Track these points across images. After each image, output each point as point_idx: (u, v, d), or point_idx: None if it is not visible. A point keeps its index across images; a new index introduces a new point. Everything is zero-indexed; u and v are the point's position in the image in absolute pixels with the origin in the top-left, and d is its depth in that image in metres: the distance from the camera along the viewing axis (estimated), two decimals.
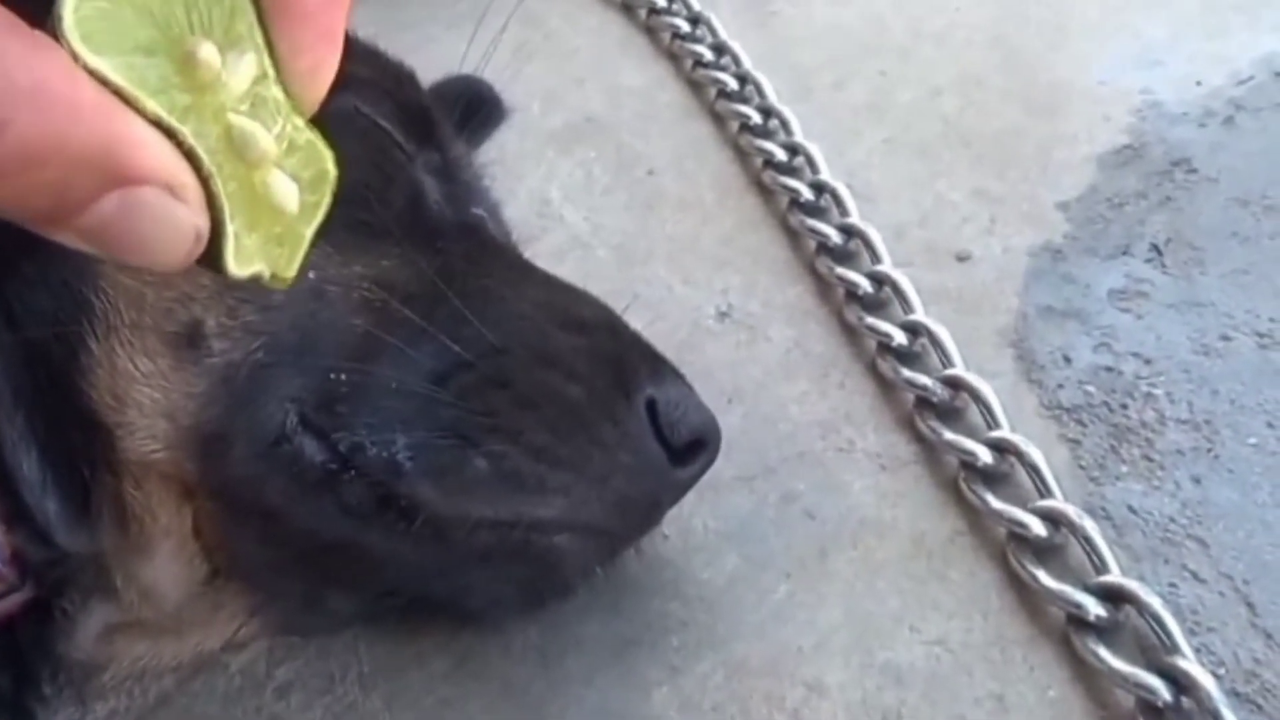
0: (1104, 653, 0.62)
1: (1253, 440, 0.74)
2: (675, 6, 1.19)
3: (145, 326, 0.54)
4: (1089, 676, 0.63)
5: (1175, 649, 0.61)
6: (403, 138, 0.68)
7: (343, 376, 0.56)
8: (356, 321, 0.57)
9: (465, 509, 0.57)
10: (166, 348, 0.54)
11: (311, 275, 0.56)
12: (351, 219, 0.60)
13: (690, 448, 0.62)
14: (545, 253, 0.89)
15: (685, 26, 1.17)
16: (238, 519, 0.59)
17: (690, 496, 0.66)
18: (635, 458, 0.60)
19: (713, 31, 1.15)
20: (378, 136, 0.66)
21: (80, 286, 0.54)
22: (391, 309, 0.58)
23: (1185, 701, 0.59)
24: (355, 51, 0.72)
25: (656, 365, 0.64)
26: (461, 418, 0.56)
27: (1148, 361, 0.80)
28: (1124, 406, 0.77)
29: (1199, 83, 1.06)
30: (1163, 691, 0.60)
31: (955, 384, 0.77)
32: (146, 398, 0.54)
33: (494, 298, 0.63)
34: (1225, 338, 0.81)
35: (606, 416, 0.59)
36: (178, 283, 0.55)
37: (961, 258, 0.91)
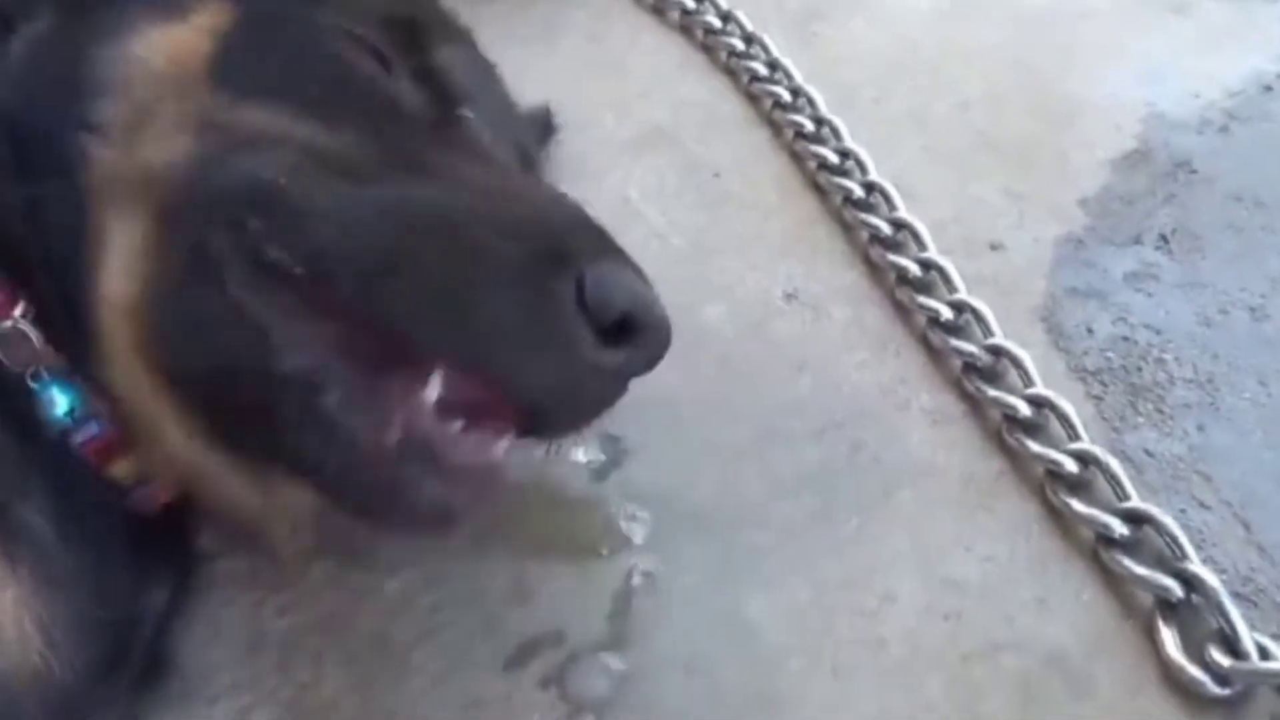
0: (1127, 562, 0.74)
1: (1247, 395, 0.87)
2: (730, 27, 1.30)
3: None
4: (1115, 582, 0.76)
5: (1186, 557, 0.73)
6: (384, 46, 0.69)
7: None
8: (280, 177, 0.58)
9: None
10: None
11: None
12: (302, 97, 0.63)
13: (621, 327, 0.56)
14: (627, 245, 1.00)
15: (740, 45, 1.27)
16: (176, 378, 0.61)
17: (771, 447, 0.76)
18: (549, 332, 0.55)
19: (765, 50, 1.25)
20: (352, 45, 0.69)
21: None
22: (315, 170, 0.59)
23: (1195, 598, 0.72)
24: None
25: (603, 245, 0.59)
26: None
27: (1158, 332, 0.93)
28: (1139, 369, 0.90)
29: (1197, 96, 1.18)
30: (1176, 590, 0.72)
31: (996, 351, 0.89)
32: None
33: (437, 173, 0.61)
34: (1223, 311, 0.94)
35: (525, 284, 0.55)
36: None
37: (995, 247, 1.02)
